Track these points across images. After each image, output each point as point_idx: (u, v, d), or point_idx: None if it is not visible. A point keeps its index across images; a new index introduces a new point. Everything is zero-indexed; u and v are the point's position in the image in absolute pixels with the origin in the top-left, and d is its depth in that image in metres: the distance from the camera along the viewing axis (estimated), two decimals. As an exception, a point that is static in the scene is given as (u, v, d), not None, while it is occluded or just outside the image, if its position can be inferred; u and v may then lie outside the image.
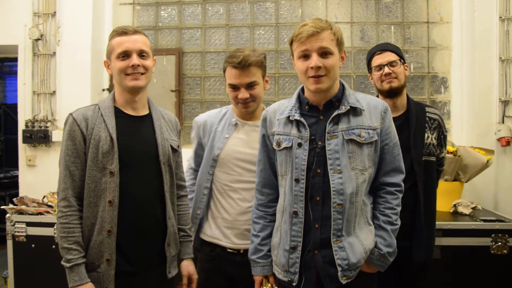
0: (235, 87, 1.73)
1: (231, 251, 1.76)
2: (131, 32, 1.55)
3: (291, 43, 1.48)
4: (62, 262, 1.44)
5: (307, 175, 1.43)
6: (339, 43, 1.45)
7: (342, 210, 1.40)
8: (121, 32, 1.55)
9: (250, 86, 1.72)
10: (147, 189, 1.54)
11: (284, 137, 1.50)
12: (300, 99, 1.53)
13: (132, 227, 1.50)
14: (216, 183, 1.80)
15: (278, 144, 1.51)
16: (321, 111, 1.48)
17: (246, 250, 1.71)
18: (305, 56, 1.42)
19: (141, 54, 1.55)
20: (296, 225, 1.44)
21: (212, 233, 1.79)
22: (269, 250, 1.57)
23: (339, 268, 1.40)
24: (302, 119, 1.47)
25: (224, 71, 1.79)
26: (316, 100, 1.49)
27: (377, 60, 1.92)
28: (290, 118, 1.49)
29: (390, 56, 1.90)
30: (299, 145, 1.45)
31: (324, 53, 1.41)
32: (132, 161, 1.52)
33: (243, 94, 1.72)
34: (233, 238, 1.75)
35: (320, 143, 1.44)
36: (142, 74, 1.54)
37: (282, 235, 1.49)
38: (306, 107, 1.50)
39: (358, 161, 1.43)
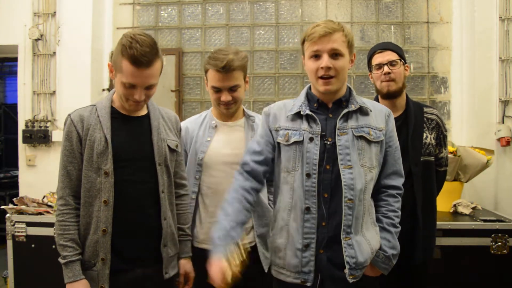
0: (218, 90, 1.75)
1: None
2: (145, 64, 1.41)
3: (303, 43, 1.49)
4: (59, 259, 1.47)
5: (318, 170, 1.42)
6: (350, 45, 1.46)
7: (353, 205, 1.39)
8: (136, 60, 1.40)
9: (232, 89, 1.74)
10: (142, 189, 1.54)
11: (293, 132, 1.48)
12: (309, 97, 1.53)
13: (128, 227, 1.51)
14: (203, 187, 1.81)
15: (287, 139, 1.48)
16: (330, 109, 1.49)
17: None
18: (316, 56, 1.44)
19: (148, 86, 1.49)
20: (308, 222, 1.41)
21: (202, 238, 1.79)
22: (235, 237, 1.40)
23: (347, 266, 1.38)
24: (314, 115, 1.47)
25: (206, 72, 1.78)
26: (325, 99, 1.50)
27: (377, 58, 1.92)
28: (301, 113, 1.48)
29: (390, 55, 1.89)
30: (311, 139, 1.44)
31: (335, 54, 1.42)
32: (127, 161, 1.52)
33: (226, 97, 1.74)
34: None
35: (330, 139, 1.43)
36: (143, 101, 1.52)
37: (292, 234, 1.45)
38: (315, 104, 1.50)
39: (367, 158, 1.43)
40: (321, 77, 1.43)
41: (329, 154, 1.42)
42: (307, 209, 1.41)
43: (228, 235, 1.38)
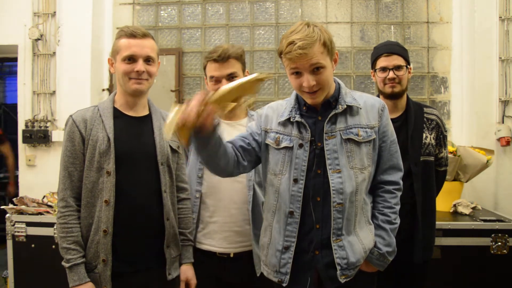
0: (216, 80, 1.76)
1: (221, 255, 1.76)
2: (140, 36, 1.54)
3: (280, 55, 1.42)
4: (62, 263, 1.45)
5: (306, 176, 1.42)
6: (329, 50, 1.39)
7: (342, 209, 1.40)
8: (130, 34, 1.54)
9: (230, 78, 1.74)
10: (144, 189, 1.54)
11: (284, 136, 1.48)
12: (298, 100, 1.52)
13: (129, 228, 1.50)
14: (205, 185, 1.80)
15: (277, 143, 1.49)
16: (319, 112, 1.47)
17: (236, 254, 1.75)
18: (297, 73, 1.39)
19: (147, 59, 1.55)
20: (291, 225, 1.44)
21: (204, 239, 1.79)
22: None
23: (338, 267, 1.40)
24: (303, 121, 1.46)
25: (205, 68, 1.83)
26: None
27: (383, 62, 1.90)
28: (291, 120, 1.48)
29: (396, 60, 1.88)
30: (300, 146, 1.44)
31: (316, 68, 1.36)
32: (129, 161, 1.52)
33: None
34: (223, 241, 1.76)
35: (319, 144, 1.43)
36: (145, 79, 1.55)
37: (274, 235, 1.48)
38: (304, 108, 1.49)
39: (357, 160, 1.43)
40: (307, 92, 1.40)
41: (319, 159, 1.42)
42: (291, 213, 1.43)
43: None
